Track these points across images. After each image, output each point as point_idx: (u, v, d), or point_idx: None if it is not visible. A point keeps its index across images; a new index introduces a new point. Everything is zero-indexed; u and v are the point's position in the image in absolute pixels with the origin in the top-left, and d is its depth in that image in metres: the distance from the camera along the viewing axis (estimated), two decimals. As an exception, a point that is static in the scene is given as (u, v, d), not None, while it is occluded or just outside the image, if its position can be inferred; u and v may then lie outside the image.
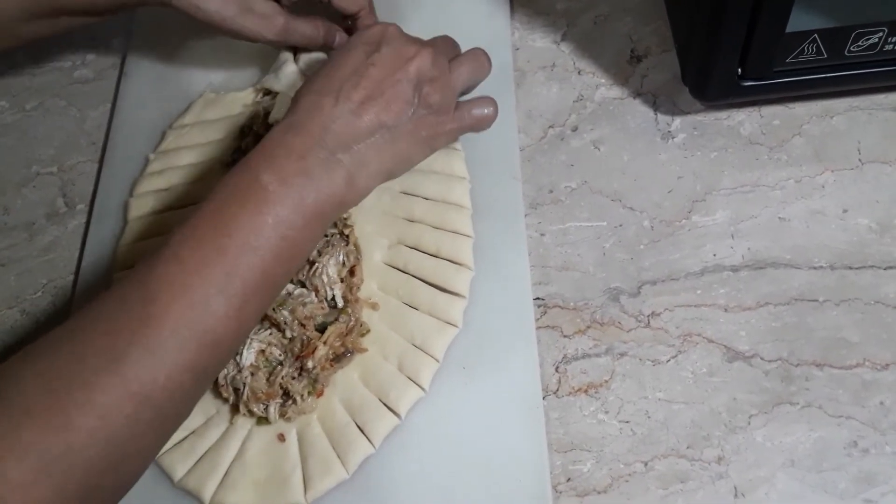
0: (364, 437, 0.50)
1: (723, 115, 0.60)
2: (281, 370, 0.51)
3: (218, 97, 0.64)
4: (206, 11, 0.55)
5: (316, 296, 0.52)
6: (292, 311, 0.51)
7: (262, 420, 0.51)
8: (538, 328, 0.53)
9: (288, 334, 0.51)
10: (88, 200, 0.63)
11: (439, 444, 0.50)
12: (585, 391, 0.52)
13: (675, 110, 0.61)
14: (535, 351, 0.52)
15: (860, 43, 0.52)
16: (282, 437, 0.50)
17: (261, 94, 0.63)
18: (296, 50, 0.62)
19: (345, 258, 0.54)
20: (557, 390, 0.52)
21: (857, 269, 0.53)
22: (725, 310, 0.53)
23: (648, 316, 0.53)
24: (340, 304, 0.52)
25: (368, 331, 0.53)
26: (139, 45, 0.69)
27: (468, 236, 0.55)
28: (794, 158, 0.58)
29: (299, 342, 0.51)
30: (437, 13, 0.66)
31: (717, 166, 0.58)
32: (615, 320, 0.54)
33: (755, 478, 0.48)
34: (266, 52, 0.63)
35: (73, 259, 0.61)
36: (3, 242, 0.62)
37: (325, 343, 0.51)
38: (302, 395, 0.50)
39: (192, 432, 0.51)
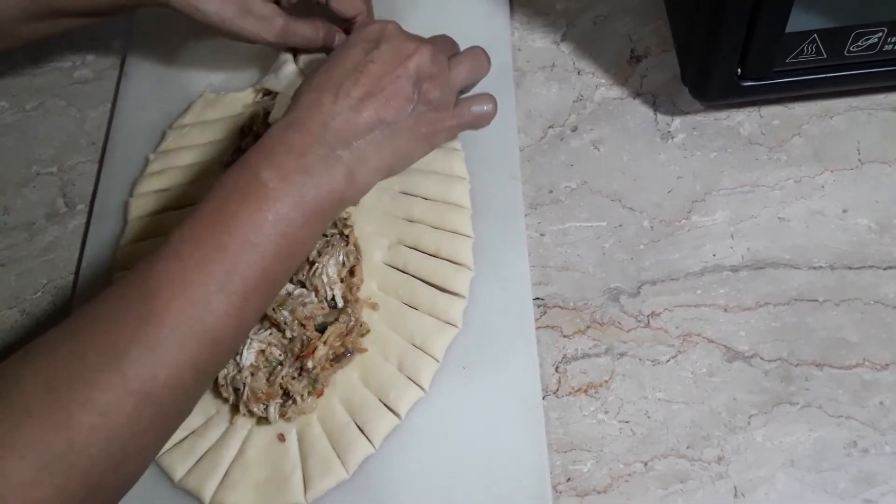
0: (364, 437, 0.50)
1: (722, 115, 0.60)
2: (281, 370, 0.51)
3: (218, 97, 0.64)
4: (205, 13, 0.55)
5: (316, 296, 0.52)
6: (292, 311, 0.51)
7: (262, 420, 0.51)
8: (538, 328, 0.53)
9: (288, 334, 0.51)
10: (88, 200, 0.63)
11: (439, 444, 0.50)
12: (585, 391, 0.52)
13: (674, 110, 0.61)
14: (535, 351, 0.52)
15: (860, 43, 0.52)
16: (282, 437, 0.50)
17: (261, 95, 0.63)
18: (295, 51, 0.62)
19: (345, 258, 0.54)
20: (557, 390, 0.52)
21: (856, 269, 0.54)
22: (725, 310, 0.53)
23: (648, 316, 0.53)
24: (340, 304, 0.52)
25: (368, 331, 0.53)
26: (139, 46, 0.69)
27: (468, 236, 0.55)
28: (794, 158, 0.58)
29: (299, 342, 0.51)
30: (437, 13, 0.66)
31: (716, 166, 0.58)
32: (615, 320, 0.54)
33: (755, 478, 0.48)
34: (266, 53, 0.63)
35: (73, 259, 0.60)
36: (3, 242, 0.62)
37: (325, 343, 0.51)
38: (302, 395, 0.50)
39: (193, 432, 0.51)
